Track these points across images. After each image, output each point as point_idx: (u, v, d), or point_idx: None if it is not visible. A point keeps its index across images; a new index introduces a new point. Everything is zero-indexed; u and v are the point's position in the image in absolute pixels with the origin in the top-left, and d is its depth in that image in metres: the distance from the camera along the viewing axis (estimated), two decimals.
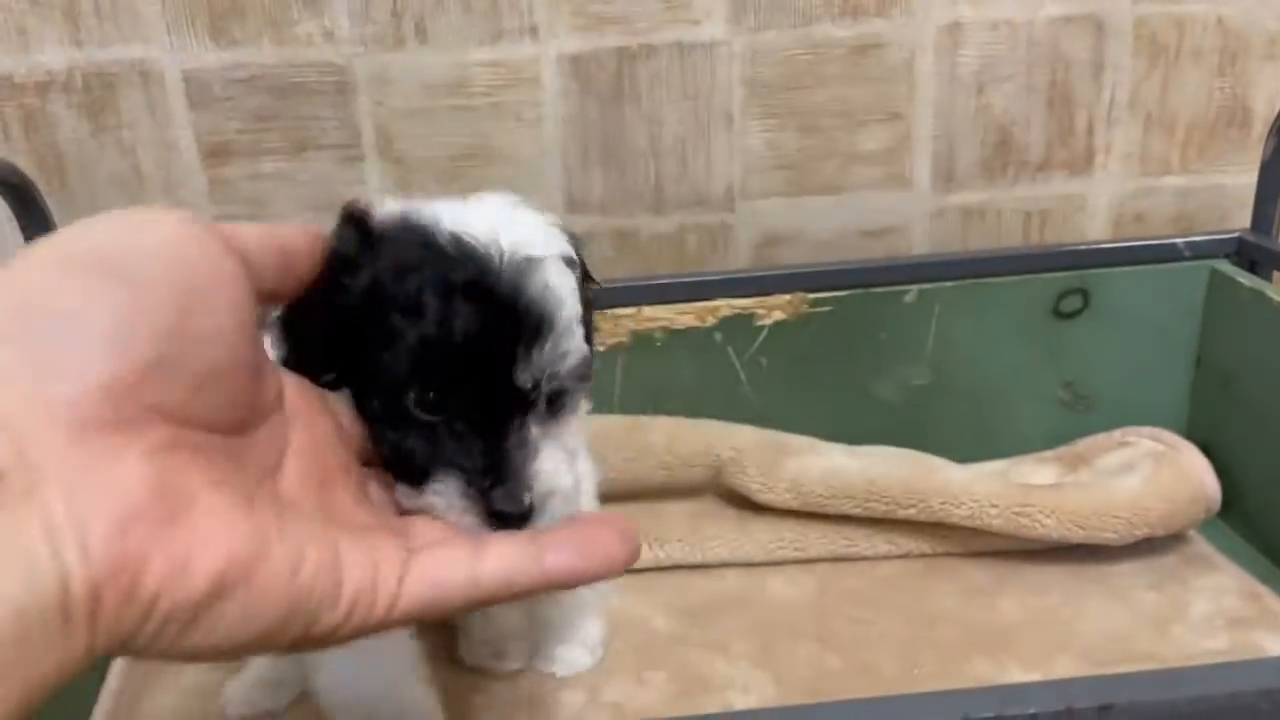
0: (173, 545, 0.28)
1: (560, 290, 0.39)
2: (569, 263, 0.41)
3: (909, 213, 0.90)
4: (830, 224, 0.89)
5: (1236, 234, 0.75)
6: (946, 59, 0.86)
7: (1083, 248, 0.76)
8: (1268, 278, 0.74)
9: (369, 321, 0.38)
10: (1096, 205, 0.91)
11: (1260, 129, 0.89)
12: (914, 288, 0.74)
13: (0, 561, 0.25)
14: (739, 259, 0.90)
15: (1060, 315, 0.76)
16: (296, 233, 0.37)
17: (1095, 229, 0.91)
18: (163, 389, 0.29)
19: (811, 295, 0.74)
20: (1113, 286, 0.75)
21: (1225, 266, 0.75)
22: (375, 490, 0.38)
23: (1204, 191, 0.91)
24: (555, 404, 0.40)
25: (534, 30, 0.82)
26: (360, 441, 0.39)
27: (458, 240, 0.38)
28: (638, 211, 0.88)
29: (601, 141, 0.86)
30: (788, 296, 0.74)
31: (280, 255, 0.35)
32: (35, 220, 0.66)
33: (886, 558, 0.73)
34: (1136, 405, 0.78)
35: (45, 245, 0.30)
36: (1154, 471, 0.70)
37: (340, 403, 0.39)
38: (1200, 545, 0.72)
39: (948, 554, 0.72)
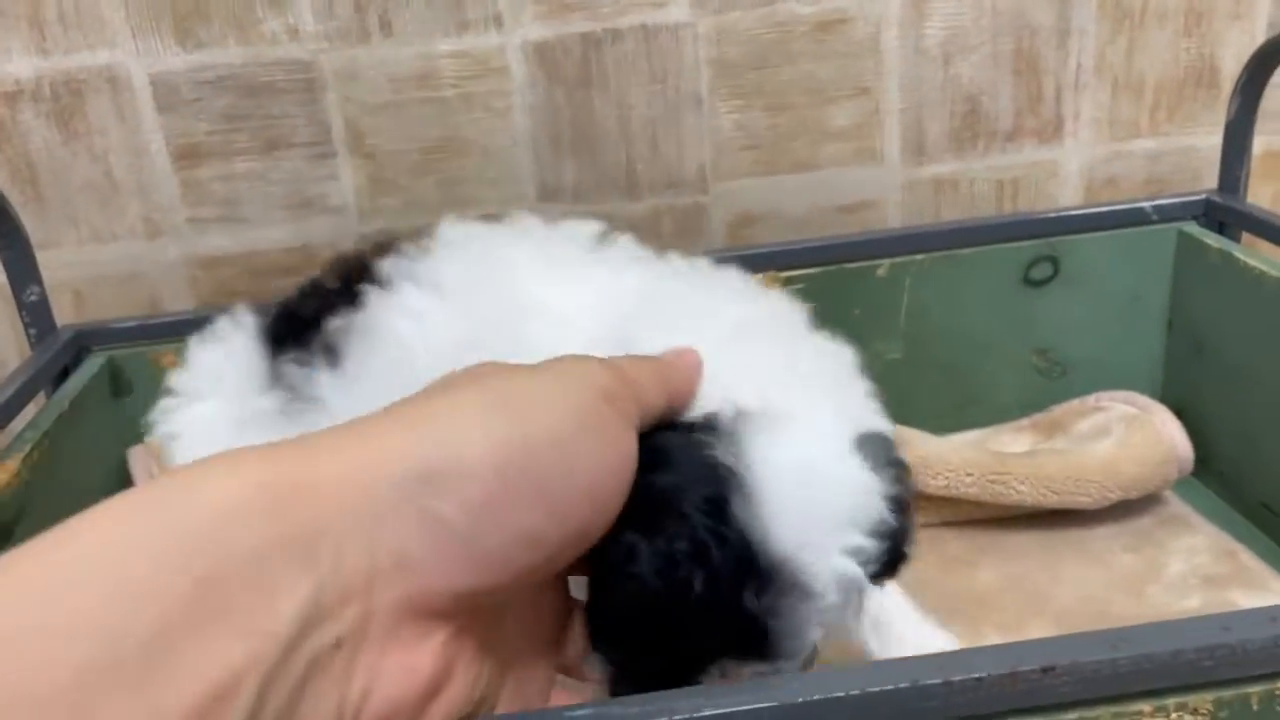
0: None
1: None
2: None
3: (881, 187, 0.90)
4: (803, 201, 0.90)
5: (1204, 195, 0.76)
6: (912, 31, 0.86)
7: (1051, 215, 0.76)
8: (1236, 239, 0.74)
9: None
10: (1068, 171, 0.91)
11: (1229, 89, 0.89)
12: (885, 261, 0.75)
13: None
14: (714, 240, 0.90)
15: (1031, 283, 0.76)
16: (682, 376, 0.37)
17: (1067, 195, 0.92)
18: (492, 597, 0.31)
19: (784, 274, 0.74)
20: (1082, 252, 0.76)
21: (1193, 229, 0.75)
22: None
23: (1174, 154, 0.92)
24: None
25: (499, 19, 0.82)
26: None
27: None
28: (611, 197, 0.88)
29: (571, 128, 0.87)
30: (760, 276, 0.74)
31: (667, 409, 0.35)
32: (5, 228, 0.66)
33: None
34: (1111, 370, 0.78)
35: (491, 408, 0.30)
36: (1126, 435, 0.71)
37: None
38: (1177, 506, 0.72)
39: (924, 525, 0.73)
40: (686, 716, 0.32)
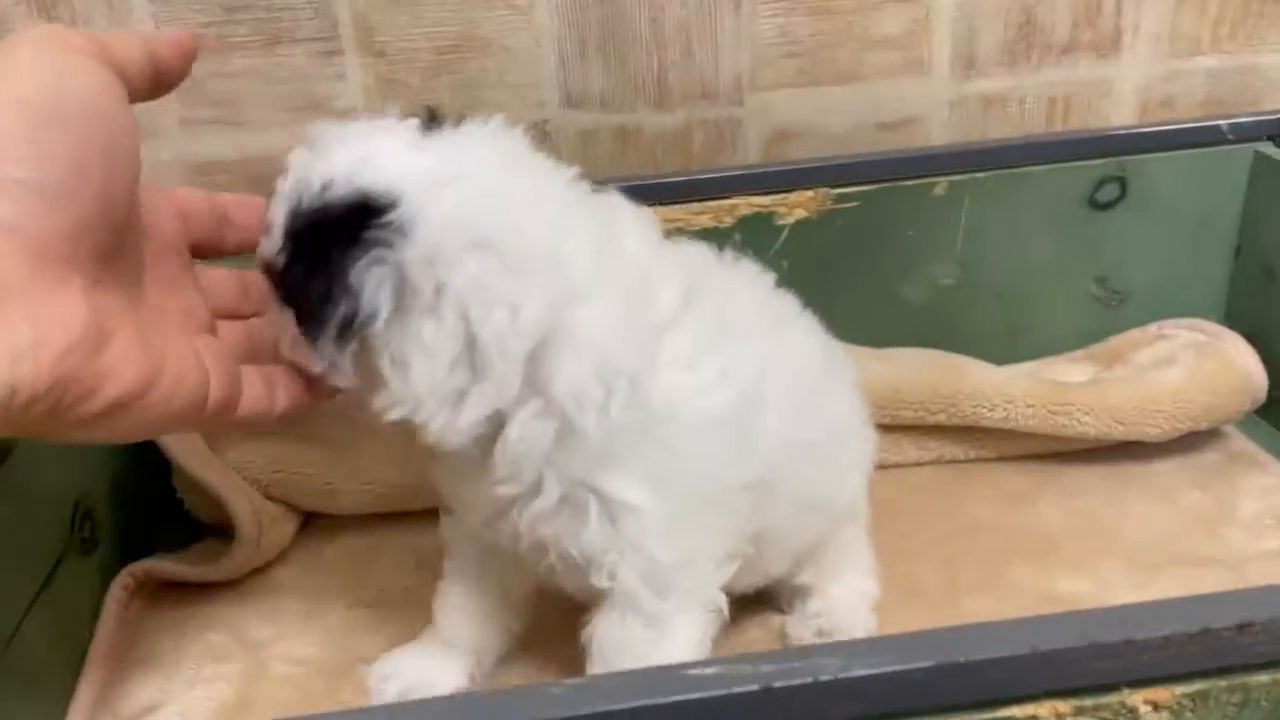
0: (91, 374, 0.35)
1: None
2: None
3: (927, 102, 0.84)
4: (844, 117, 0.84)
5: None
6: None
7: (1121, 133, 0.71)
8: None
9: None
10: (1123, 90, 0.86)
11: None
12: (944, 179, 0.70)
13: None
14: (748, 157, 0.85)
15: (1096, 206, 0.72)
16: (169, 50, 0.42)
17: (1121, 115, 0.86)
18: (92, 236, 0.36)
19: (836, 190, 0.69)
20: (1151, 173, 0.71)
21: (1270, 149, 0.71)
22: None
23: (1235, 73, 0.86)
24: None
25: None
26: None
27: None
28: (640, 106, 0.82)
29: (599, 29, 0.80)
30: (810, 193, 0.69)
31: (154, 76, 0.41)
32: None
33: (916, 464, 0.69)
34: (1171, 298, 0.74)
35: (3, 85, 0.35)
36: (1196, 363, 0.67)
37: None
38: (1241, 442, 0.69)
39: (980, 459, 0.69)
40: (833, 676, 0.27)
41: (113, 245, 0.38)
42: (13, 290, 0.33)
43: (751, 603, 0.58)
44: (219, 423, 0.42)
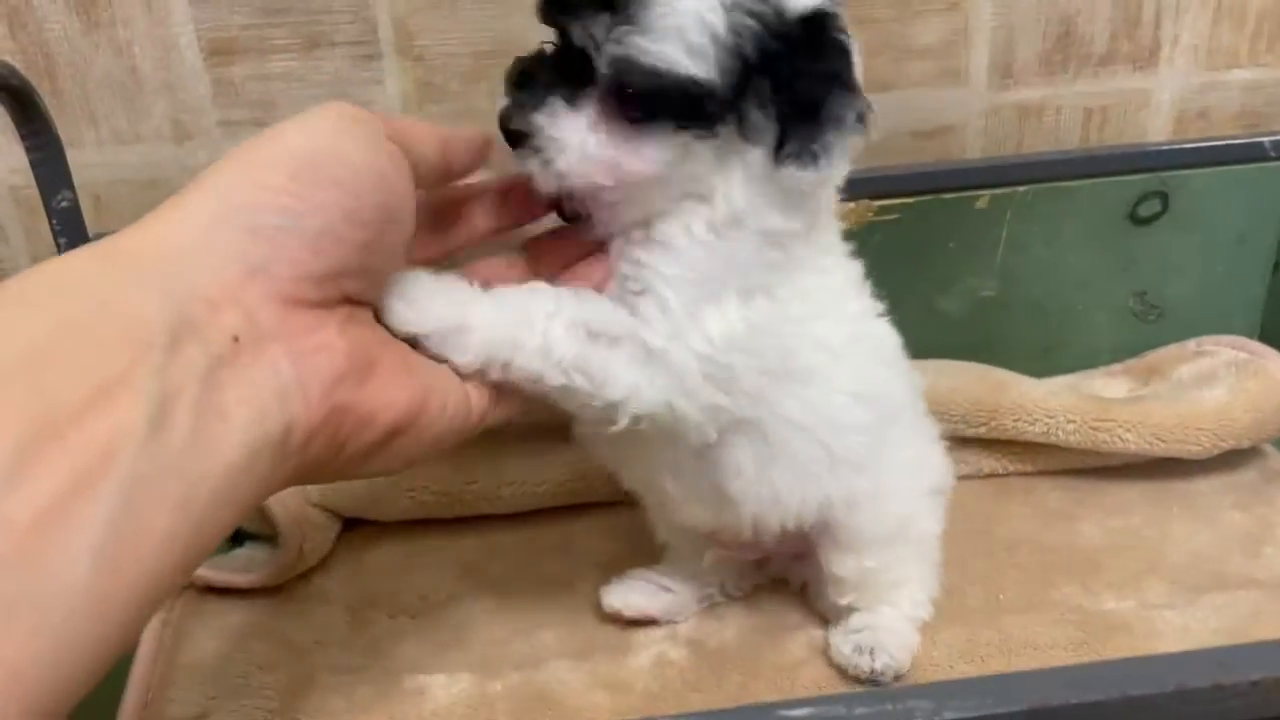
0: (363, 402, 0.36)
1: (698, 13, 0.40)
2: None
3: (964, 111, 0.84)
4: (880, 125, 0.83)
5: None
6: None
7: (1164, 148, 0.71)
8: None
9: None
10: (1159, 101, 0.86)
11: None
12: (986, 193, 0.70)
13: (240, 408, 0.31)
14: None
15: (1137, 220, 0.71)
16: (463, 146, 0.44)
17: (1157, 127, 0.86)
18: (353, 283, 0.37)
19: (878, 202, 0.69)
20: (1193, 189, 0.71)
21: None
22: None
23: (1272, 86, 0.86)
24: (622, 105, 0.41)
25: None
26: None
27: None
28: None
29: None
30: (852, 204, 0.69)
31: (444, 166, 0.42)
32: (36, 128, 0.59)
33: (958, 478, 0.69)
34: (1209, 314, 0.74)
35: (269, 146, 0.36)
36: (1238, 381, 0.67)
37: None
38: (1278, 460, 0.69)
39: (1020, 473, 0.69)
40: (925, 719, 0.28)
41: (371, 290, 0.39)
42: (268, 333, 0.33)
43: (795, 618, 0.58)
44: (480, 430, 0.43)
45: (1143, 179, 0.70)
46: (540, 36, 0.77)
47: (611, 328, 0.44)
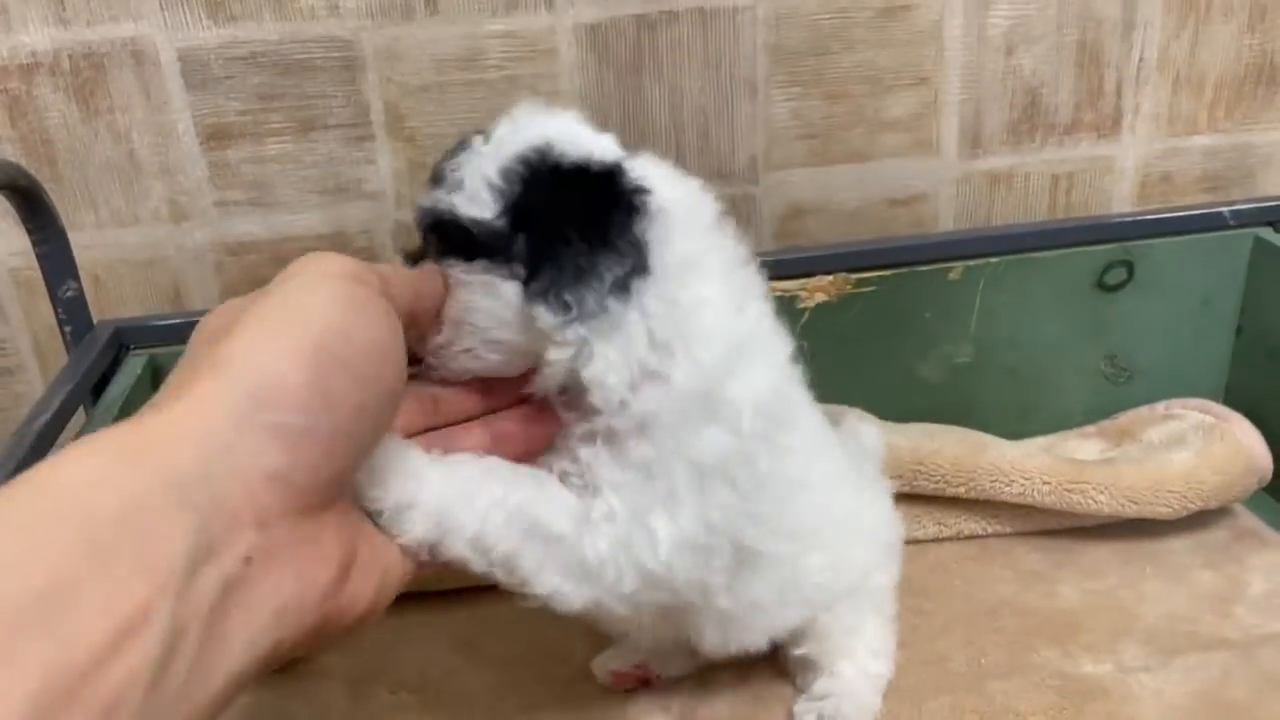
0: (344, 603, 0.35)
1: (462, 163, 0.43)
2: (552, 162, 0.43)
3: (936, 179, 0.87)
4: (856, 194, 0.87)
5: None
6: (976, 19, 0.83)
7: (1127, 219, 0.74)
8: None
9: None
10: (1124, 167, 0.89)
11: None
12: (958, 264, 0.72)
13: (240, 632, 0.30)
14: (763, 232, 0.87)
15: (1104, 288, 0.74)
16: (429, 290, 0.42)
17: (1122, 192, 0.90)
18: (351, 473, 0.37)
19: (855, 275, 0.72)
20: (1157, 257, 0.74)
21: (1269, 234, 0.74)
22: None
23: (1230, 151, 0.90)
24: (437, 255, 0.44)
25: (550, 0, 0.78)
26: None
27: None
28: None
29: (620, 114, 0.83)
30: (830, 277, 0.72)
31: (414, 314, 0.41)
32: (42, 222, 0.61)
33: (936, 540, 0.72)
34: (1177, 376, 0.77)
35: (284, 326, 0.34)
36: (1205, 444, 0.69)
37: None
38: (1248, 519, 0.71)
39: (997, 534, 0.72)
40: None
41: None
42: (278, 548, 0.32)
43: (785, 689, 0.60)
44: None
45: (1108, 249, 0.73)
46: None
47: (554, 527, 0.43)
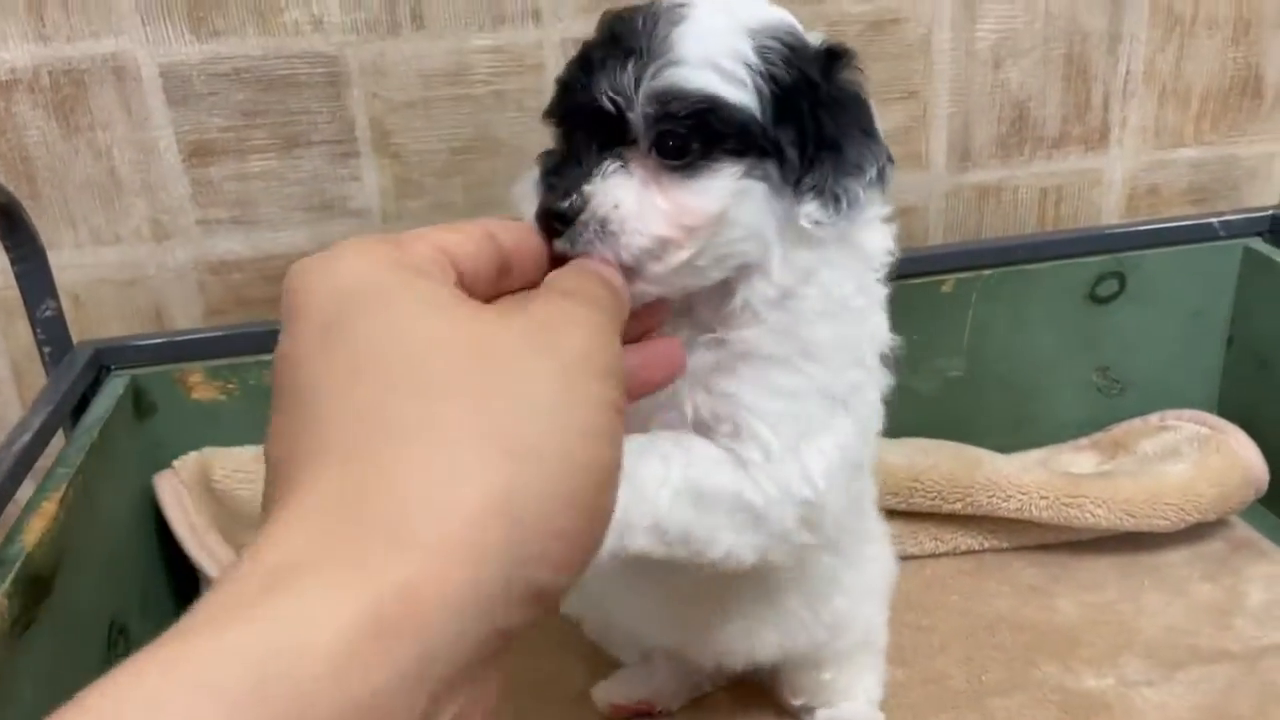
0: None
1: (692, 33, 0.38)
2: (772, 49, 0.39)
3: (925, 192, 0.87)
4: None
5: (1270, 211, 0.74)
6: (964, 33, 0.83)
7: (1118, 230, 0.74)
8: None
9: None
10: (1112, 180, 0.89)
11: (1272, 97, 0.89)
12: (951, 276, 0.72)
13: None
14: None
15: (1096, 300, 0.74)
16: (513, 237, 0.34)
17: (1110, 204, 0.90)
18: None
19: None
20: (1148, 268, 0.74)
21: (1259, 245, 0.74)
22: None
23: (1216, 163, 0.90)
24: (669, 150, 0.38)
25: (537, 14, 0.77)
26: None
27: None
28: None
29: None
30: None
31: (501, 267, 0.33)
32: (21, 239, 0.60)
33: (933, 555, 0.71)
34: (1169, 386, 0.77)
35: (481, 427, 0.26)
36: (1202, 456, 0.69)
37: None
38: (1244, 530, 0.71)
39: (994, 549, 0.71)
40: None
41: None
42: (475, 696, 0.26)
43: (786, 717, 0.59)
44: None
45: (1100, 260, 0.73)
46: (511, 131, 0.80)
47: (718, 489, 0.41)
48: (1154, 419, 0.75)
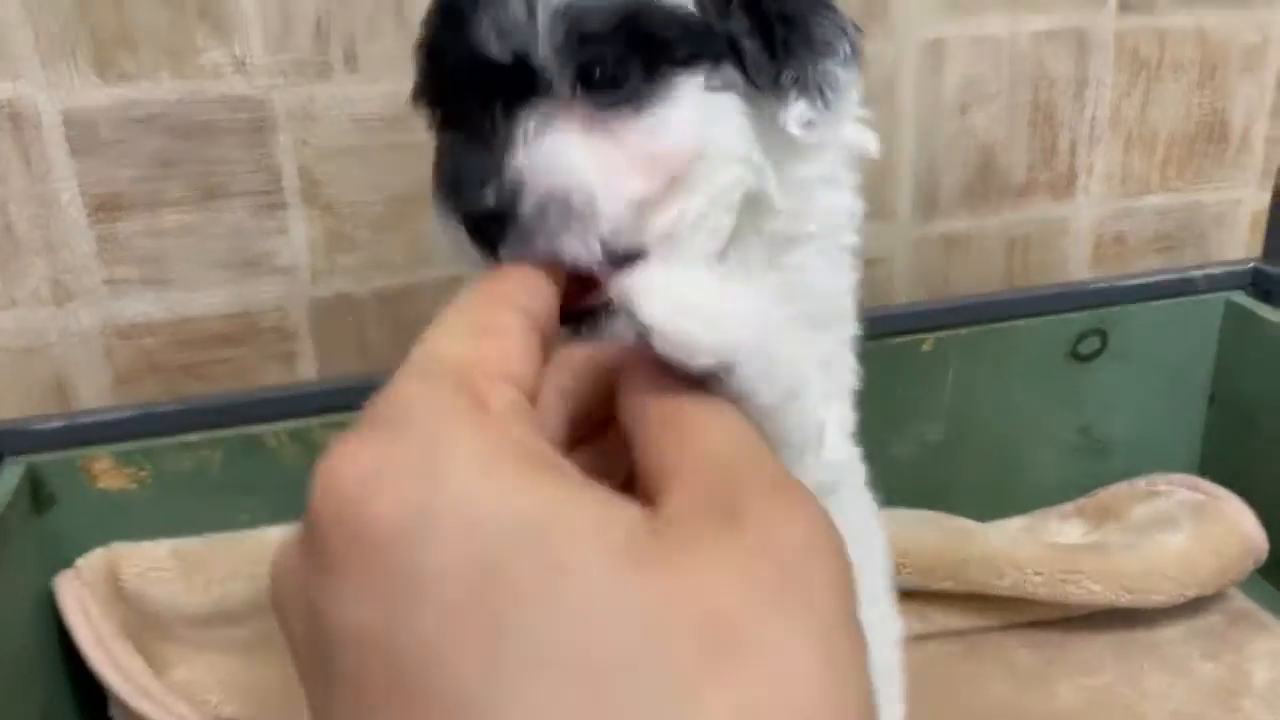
0: None
1: None
2: None
3: (891, 243, 0.83)
4: None
5: (1252, 264, 0.72)
6: (929, 78, 0.79)
7: (1101, 285, 0.71)
8: None
9: None
10: (1079, 229, 0.86)
11: (1237, 142, 0.87)
12: (930, 335, 0.68)
13: None
14: None
15: (1079, 358, 0.71)
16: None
17: (1079, 254, 0.87)
18: None
19: None
20: (1129, 324, 0.71)
21: (1241, 298, 0.71)
22: None
23: (1182, 210, 0.88)
24: (600, 82, 0.29)
25: None
26: None
27: None
28: None
29: None
30: None
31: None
32: None
33: (921, 637, 0.66)
34: (1151, 447, 0.74)
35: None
36: (1198, 525, 0.65)
37: None
38: (1241, 601, 0.68)
39: (983, 628, 0.66)
40: None
41: None
42: None
43: None
44: None
45: (1081, 316, 0.70)
46: None
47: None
48: (1141, 484, 0.71)
